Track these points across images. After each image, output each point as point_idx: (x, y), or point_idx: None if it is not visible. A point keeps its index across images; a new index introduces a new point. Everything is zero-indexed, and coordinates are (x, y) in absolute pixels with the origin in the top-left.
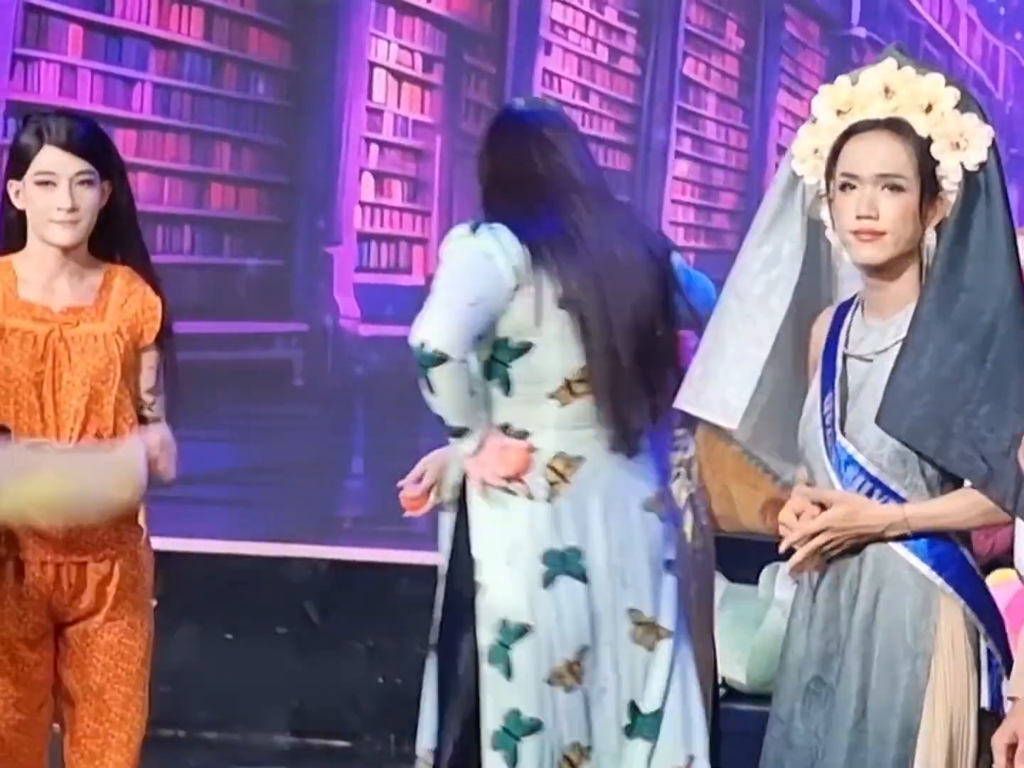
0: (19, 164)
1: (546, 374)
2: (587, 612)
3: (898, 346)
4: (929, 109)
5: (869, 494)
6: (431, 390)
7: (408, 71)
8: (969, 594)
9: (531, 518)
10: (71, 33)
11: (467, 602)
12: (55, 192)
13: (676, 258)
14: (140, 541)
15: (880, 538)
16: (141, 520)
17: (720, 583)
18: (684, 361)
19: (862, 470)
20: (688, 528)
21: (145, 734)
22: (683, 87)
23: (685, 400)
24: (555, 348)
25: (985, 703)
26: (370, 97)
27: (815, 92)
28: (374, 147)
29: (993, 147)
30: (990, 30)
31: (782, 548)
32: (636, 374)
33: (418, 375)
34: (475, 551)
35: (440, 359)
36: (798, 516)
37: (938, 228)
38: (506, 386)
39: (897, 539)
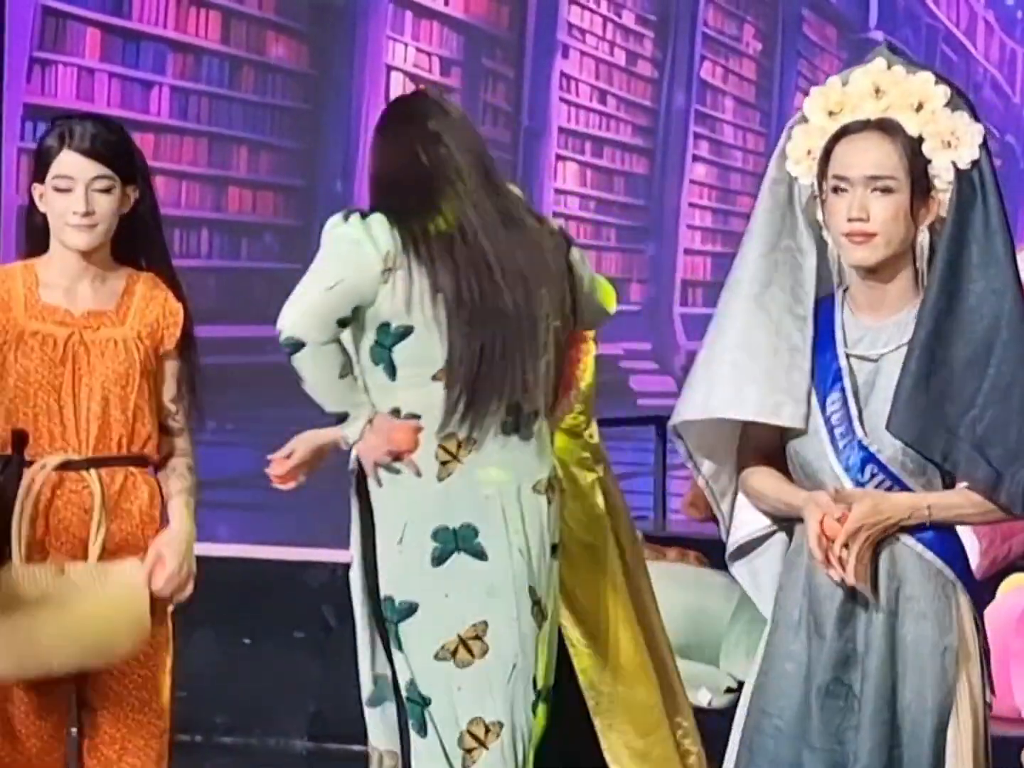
0: (41, 167)
1: (428, 356)
2: (484, 589)
3: (904, 348)
4: (920, 108)
5: (888, 491)
6: (300, 378)
7: (425, 74)
8: (972, 587)
9: (421, 496)
10: (89, 36)
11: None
12: (71, 196)
13: (582, 266)
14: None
15: (893, 534)
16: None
17: (736, 588)
18: (574, 373)
19: (883, 468)
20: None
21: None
22: (700, 90)
23: (694, 408)
24: (434, 331)
25: (989, 697)
26: (387, 100)
27: None
28: None
29: (984, 146)
30: (1007, 34)
31: (834, 558)
32: (513, 363)
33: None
34: (377, 531)
35: (298, 345)
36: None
37: (931, 227)
38: (391, 370)
39: (910, 534)
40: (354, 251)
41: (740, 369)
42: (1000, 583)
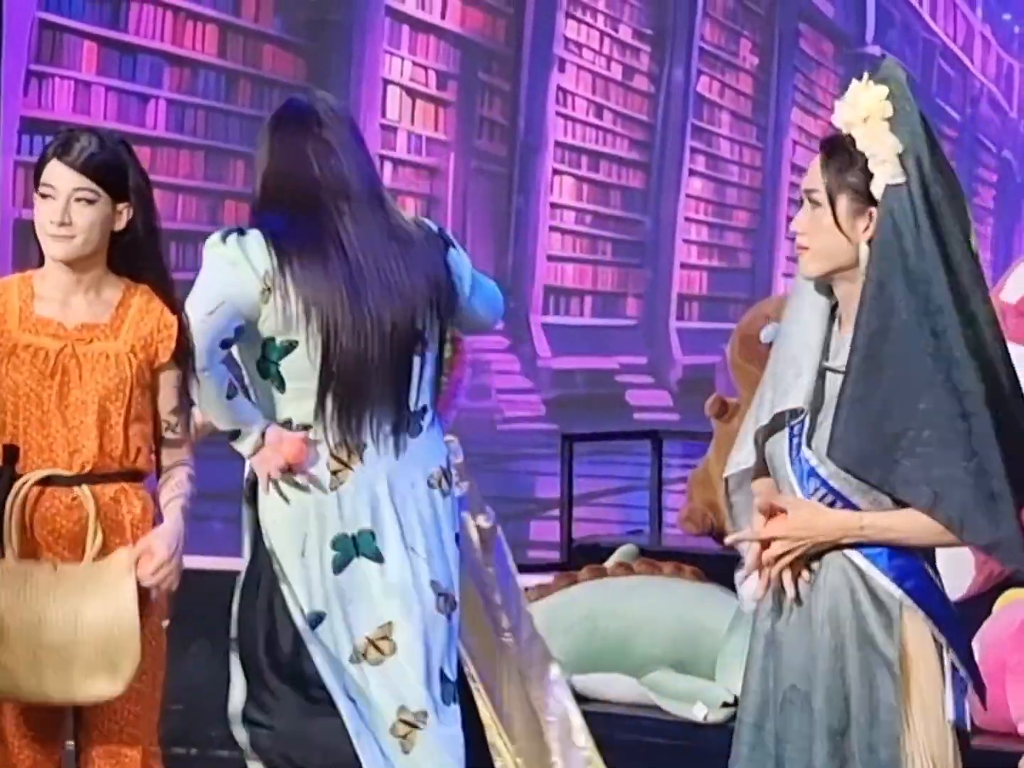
0: (36, 176)
1: (313, 369)
2: (387, 590)
3: None
4: (866, 121)
5: (830, 506)
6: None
7: (422, 88)
8: (929, 606)
9: (317, 508)
10: (85, 49)
11: (268, 594)
12: (52, 205)
13: (462, 266)
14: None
15: (839, 547)
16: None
17: (732, 602)
18: (460, 367)
19: (824, 482)
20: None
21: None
22: (697, 105)
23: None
24: (317, 344)
25: (950, 715)
26: (384, 114)
27: (829, 110)
28: (388, 164)
29: (940, 171)
30: (1005, 48)
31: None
32: (391, 372)
33: None
34: (268, 543)
35: None
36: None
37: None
38: (280, 384)
39: (857, 550)
40: (232, 272)
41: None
42: (996, 598)
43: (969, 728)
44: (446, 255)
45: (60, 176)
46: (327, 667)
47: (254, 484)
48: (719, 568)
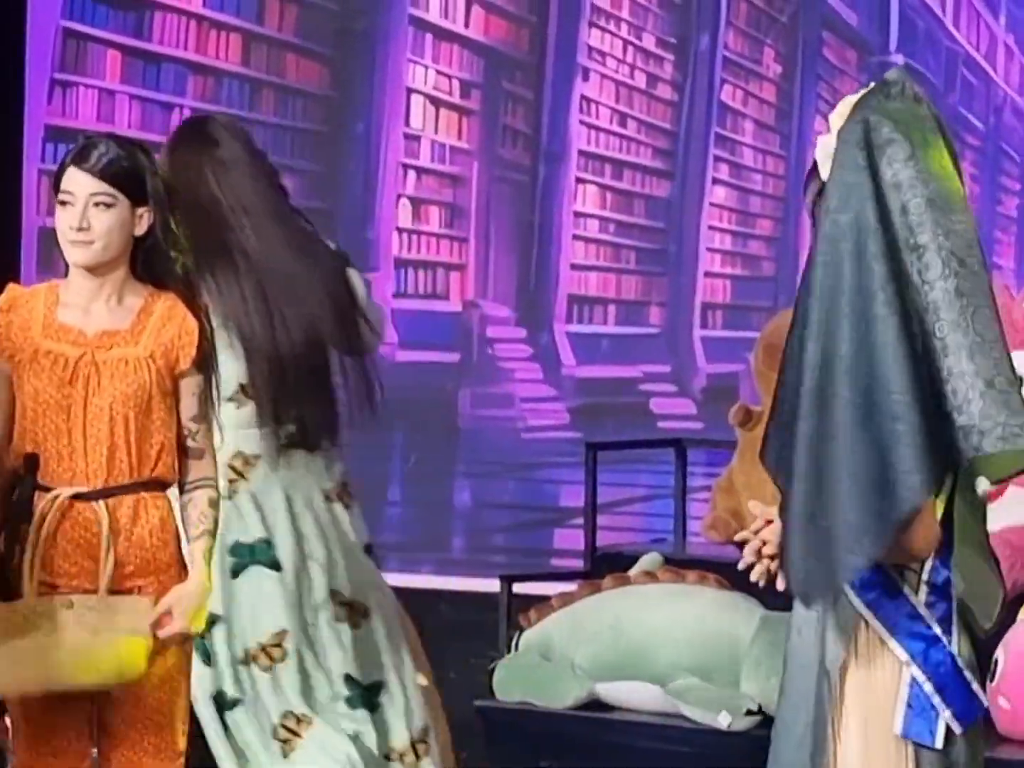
0: (56, 183)
1: (221, 380)
2: (282, 598)
3: None
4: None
5: None
6: None
7: (445, 97)
8: (892, 622)
9: None
10: (109, 58)
11: None
12: (70, 211)
13: (359, 286)
14: (176, 570)
15: None
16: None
17: (756, 611)
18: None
19: None
20: None
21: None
22: (720, 113)
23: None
24: (226, 355)
25: (898, 730)
26: (407, 123)
27: None
28: (411, 173)
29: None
30: None
31: (736, 537)
32: (302, 381)
33: None
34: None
35: None
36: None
37: None
38: None
39: None
40: None
41: None
42: (1022, 606)
43: (988, 736)
44: (346, 273)
45: (78, 182)
46: (210, 672)
47: None
48: (743, 576)
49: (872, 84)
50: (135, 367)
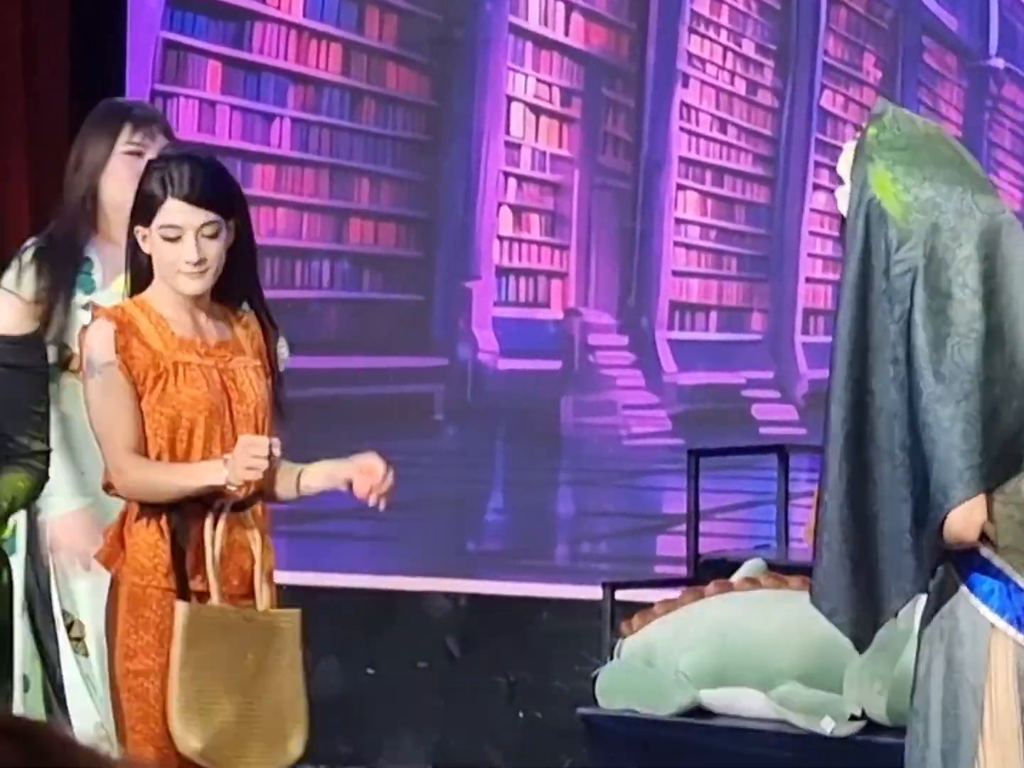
0: (145, 211)
1: None
2: None
3: None
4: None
5: None
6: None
7: (546, 105)
8: (1018, 626)
9: None
10: (210, 69)
11: None
12: (182, 245)
13: None
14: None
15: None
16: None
17: None
18: None
19: None
20: None
21: None
22: (821, 119)
23: None
24: None
25: None
26: (508, 131)
27: (953, 124)
28: (512, 181)
29: (867, 209)
30: None
31: None
32: None
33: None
34: None
35: None
36: None
37: None
38: None
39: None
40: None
41: None
42: None
43: None
44: None
45: (183, 214)
46: None
47: None
48: None
49: (864, 124)
50: (256, 373)
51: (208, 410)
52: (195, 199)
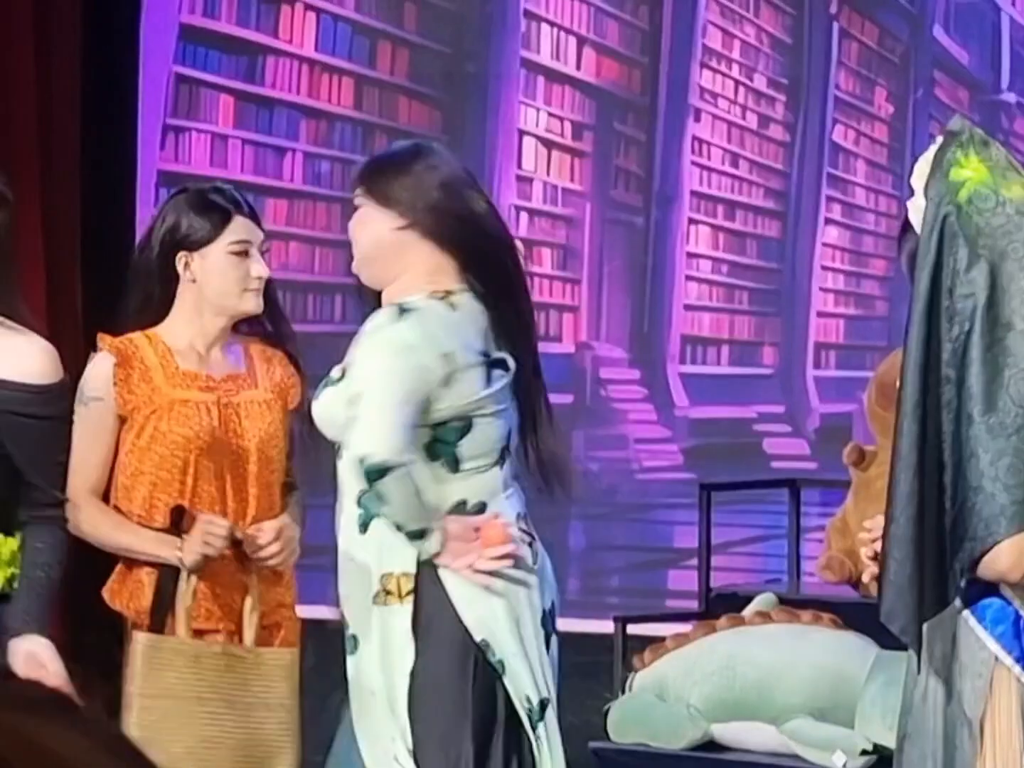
0: (199, 236)
1: (491, 445)
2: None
3: None
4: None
5: None
6: (383, 501)
7: (558, 139)
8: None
9: (527, 588)
10: (222, 103)
11: (481, 694)
12: (250, 261)
13: None
14: (293, 612)
15: None
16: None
17: (871, 650)
18: None
19: None
20: None
21: None
22: (832, 153)
23: None
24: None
25: None
26: (519, 165)
27: None
28: (524, 215)
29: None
30: None
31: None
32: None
33: (365, 491)
34: (479, 637)
35: (386, 469)
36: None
37: None
38: (453, 465)
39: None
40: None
41: None
42: None
43: None
44: None
45: (251, 230)
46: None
47: (416, 578)
48: (858, 616)
49: (939, 139)
50: (268, 408)
51: (199, 449)
52: (253, 216)
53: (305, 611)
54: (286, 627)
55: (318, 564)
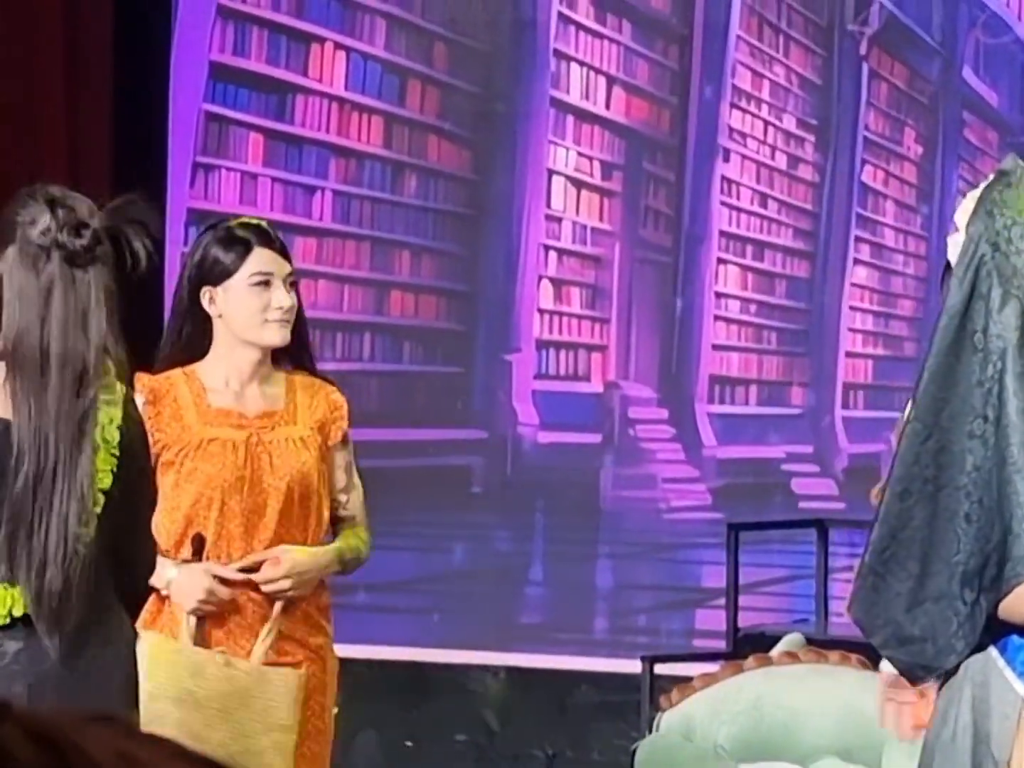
0: (221, 269)
1: None
2: None
3: None
4: None
5: None
6: None
7: (587, 179)
8: None
9: None
10: (251, 141)
11: None
12: (272, 292)
13: None
14: (328, 646)
15: None
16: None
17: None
18: None
19: None
20: None
21: None
22: (861, 194)
23: None
24: None
25: None
26: (549, 205)
27: None
28: (552, 254)
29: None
30: None
31: None
32: None
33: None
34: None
35: None
36: None
37: None
38: None
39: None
40: None
41: None
42: None
43: None
44: None
45: (274, 262)
46: None
47: None
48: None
49: (991, 176)
50: (302, 444)
51: (223, 487)
52: (277, 247)
53: (338, 649)
54: (314, 665)
55: (350, 603)
